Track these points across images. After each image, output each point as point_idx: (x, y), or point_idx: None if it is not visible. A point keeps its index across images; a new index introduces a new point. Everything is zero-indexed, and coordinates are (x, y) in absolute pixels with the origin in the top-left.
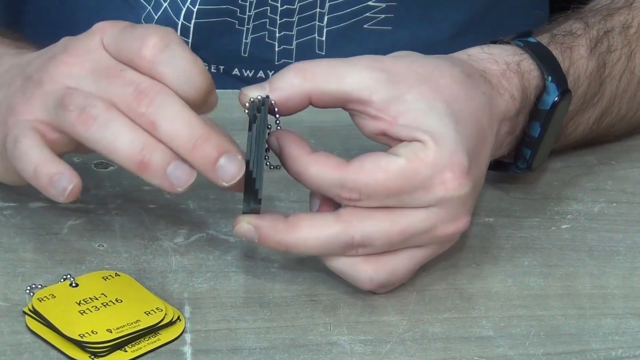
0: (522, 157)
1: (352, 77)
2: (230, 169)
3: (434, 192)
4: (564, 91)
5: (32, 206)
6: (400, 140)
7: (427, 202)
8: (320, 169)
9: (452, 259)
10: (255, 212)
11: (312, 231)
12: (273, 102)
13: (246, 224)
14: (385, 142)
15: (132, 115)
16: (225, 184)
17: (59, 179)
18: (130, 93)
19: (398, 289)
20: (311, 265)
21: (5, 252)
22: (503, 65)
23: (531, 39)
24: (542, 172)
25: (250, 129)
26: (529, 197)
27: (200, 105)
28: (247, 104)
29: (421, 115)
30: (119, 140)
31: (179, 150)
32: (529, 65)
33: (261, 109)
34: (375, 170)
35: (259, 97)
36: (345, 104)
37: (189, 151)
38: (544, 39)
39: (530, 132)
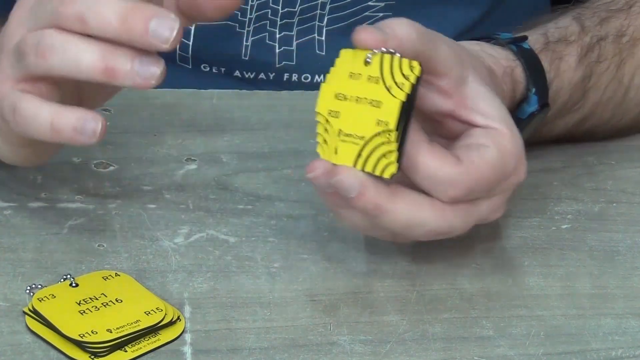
0: None
1: (443, 50)
2: (164, 28)
3: (512, 180)
4: (544, 104)
5: (32, 206)
6: (467, 123)
7: (503, 190)
8: (437, 162)
9: (452, 259)
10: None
11: (408, 207)
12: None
13: (354, 178)
14: (447, 124)
15: (65, 23)
16: (166, 47)
17: (84, 124)
18: (57, 2)
19: (398, 289)
20: (311, 265)
21: (5, 252)
22: (502, 68)
23: (525, 45)
24: (542, 172)
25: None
26: (529, 197)
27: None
28: (374, 52)
29: (487, 100)
30: (78, 57)
31: (111, 35)
32: (519, 74)
33: (416, 82)
34: (484, 167)
35: (387, 50)
36: (427, 80)
37: (119, 32)
38: (537, 44)
39: None
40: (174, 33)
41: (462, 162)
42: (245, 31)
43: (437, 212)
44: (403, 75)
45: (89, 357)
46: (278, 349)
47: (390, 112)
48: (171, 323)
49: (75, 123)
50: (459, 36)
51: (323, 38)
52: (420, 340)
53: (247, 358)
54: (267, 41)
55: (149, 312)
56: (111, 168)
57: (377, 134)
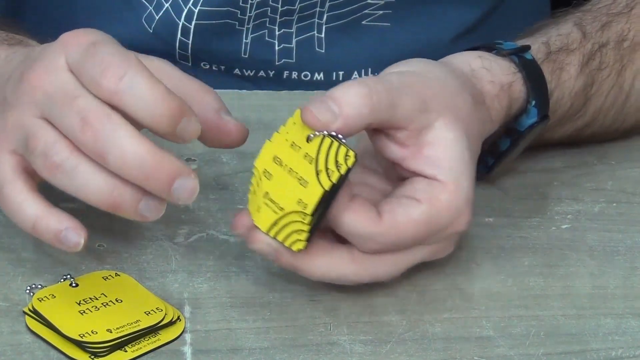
0: (485, 162)
1: (403, 107)
2: (186, 190)
3: (449, 231)
4: (544, 117)
5: None
6: (415, 174)
7: (440, 239)
8: (355, 219)
9: (452, 259)
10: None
11: (325, 264)
12: (343, 138)
13: (268, 246)
14: (399, 170)
15: (81, 147)
16: (181, 205)
17: (66, 235)
18: (77, 123)
19: (398, 289)
20: None
21: (5, 252)
22: (498, 86)
23: (527, 55)
24: (542, 172)
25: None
26: (529, 197)
27: (170, 133)
28: (315, 134)
29: (446, 150)
30: (87, 187)
31: (132, 180)
32: (519, 87)
33: (346, 173)
34: (407, 225)
35: (334, 134)
36: (383, 130)
37: (142, 182)
38: (540, 54)
39: (499, 144)
40: (194, 194)
41: (382, 220)
42: (245, 29)
43: (357, 265)
44: (336, 162)
45: (89, 357)
46: (278, 349)
47: (312, 198)
48: (171, 323)
49: (57, 233)
50: (459, 36)
51: (322, 35)
52: (420, 340)
53: (247, 358)
54: (266, 38)
55: (149, 312)
56: None
57: (295, 211)
